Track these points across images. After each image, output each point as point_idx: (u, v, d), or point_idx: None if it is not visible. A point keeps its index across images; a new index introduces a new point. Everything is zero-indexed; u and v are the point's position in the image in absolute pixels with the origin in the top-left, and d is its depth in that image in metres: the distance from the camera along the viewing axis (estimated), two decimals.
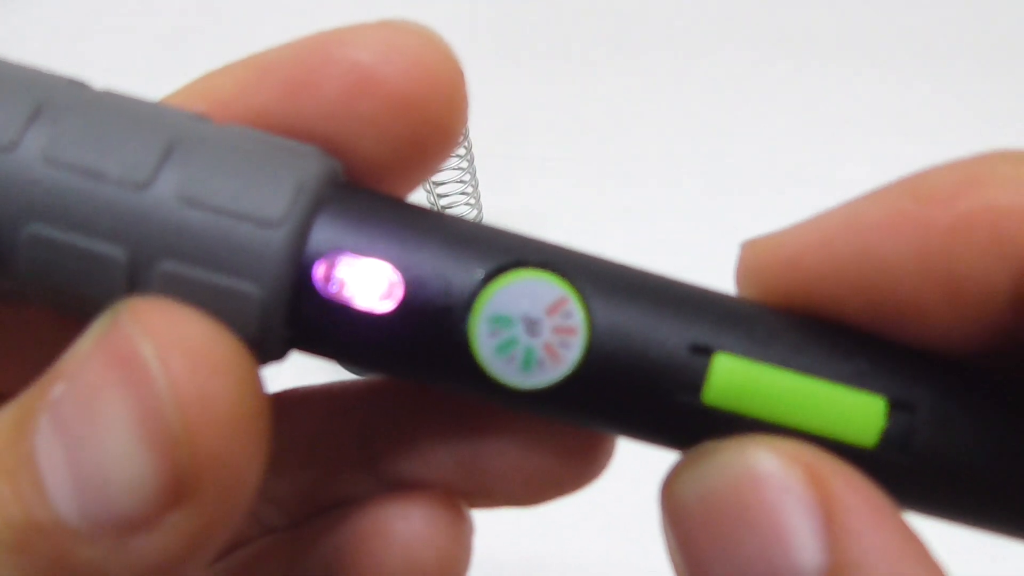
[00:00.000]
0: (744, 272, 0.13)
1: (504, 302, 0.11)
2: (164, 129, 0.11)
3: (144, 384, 0.09)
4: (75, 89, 0.11)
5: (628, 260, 0.12)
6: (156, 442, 0.09)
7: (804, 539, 0.10)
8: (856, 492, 0.10)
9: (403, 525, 0.14)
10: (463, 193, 0.47)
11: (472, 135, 0.46)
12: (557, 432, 0.14)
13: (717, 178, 0.57)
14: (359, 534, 0.15)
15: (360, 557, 0.14)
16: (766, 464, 0.10)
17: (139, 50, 0.72)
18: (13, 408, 0.10)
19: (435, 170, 0.14)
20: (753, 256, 0.13)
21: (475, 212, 0.48)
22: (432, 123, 0.12)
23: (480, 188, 0.48)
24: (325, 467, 0.15)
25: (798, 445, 0.11)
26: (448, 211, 0.46)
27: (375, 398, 0.16)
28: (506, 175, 0.55)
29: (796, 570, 0.10)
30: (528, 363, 0.11)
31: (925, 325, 0.11)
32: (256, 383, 0.10)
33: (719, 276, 0.14)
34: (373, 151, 0.12)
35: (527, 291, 0.11)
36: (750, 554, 0.10)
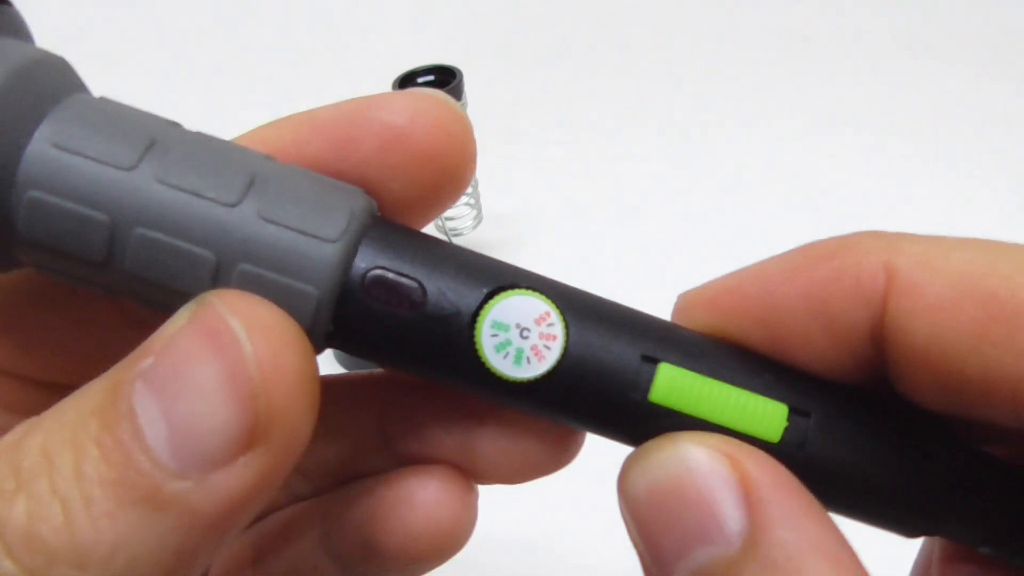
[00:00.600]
0: (677, 315, 0.16)
1: (503, 312, 0.14)
2: (246, 164, 0.14)
3: (234, 351, 0.12)
4: (175, 128, 0.14)
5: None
6: (240, 397, 0.12)
7: (729, 509, 0.13)
8: (766, 471, 0.13)
9: (423, 493, 0.17)
10: (463, 193, 0.48)
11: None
12: (536, 426, 0.17)
13: (716, 178, 0.58)
14: (386, 501, 0.18)
15: (388, 519, 0.17)
16: (697, 455, 0.14)
17: (140, 50, 0.73)
18: (104, 381, 0.13)
19: (448, 207, 0.17)
20: (684, 302, 0.16)
21: (476, 212, 0.49)
22: (449, 173, 0.16)
23: (480, 188, 0.50)
24: (348, 444, 0.18)
25: (720, 438, 0.14)
26: (450, 210, 0.48)
27: (389, 389, 0.19)
28: (506, 175, 0.56)
29: (725, 533, 0.13)
30: (519, 359, 0.14)
31: (809, 352, 0.15)
32: (313, 358, 0.13)
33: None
34: (401, 193, 0.16)
35: (521, 305, 0.15)
36: (690, 525, 0.13)
